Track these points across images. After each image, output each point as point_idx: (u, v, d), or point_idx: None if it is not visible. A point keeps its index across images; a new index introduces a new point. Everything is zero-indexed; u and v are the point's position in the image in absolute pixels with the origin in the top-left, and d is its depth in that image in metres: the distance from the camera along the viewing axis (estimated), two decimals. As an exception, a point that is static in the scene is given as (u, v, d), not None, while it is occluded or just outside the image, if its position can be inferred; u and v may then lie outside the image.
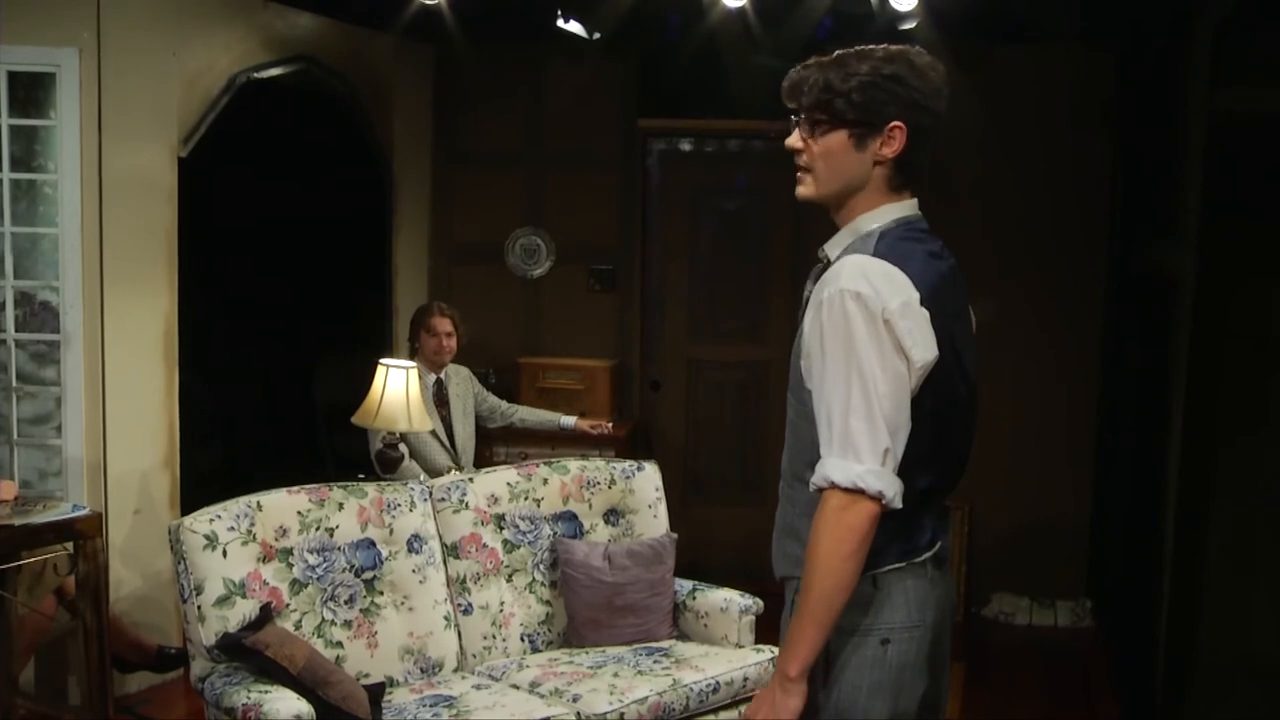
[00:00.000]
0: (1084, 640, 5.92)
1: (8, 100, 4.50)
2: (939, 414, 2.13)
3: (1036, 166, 6.05)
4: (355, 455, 5.28)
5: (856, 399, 2.02)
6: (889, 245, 2.11)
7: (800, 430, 2.20)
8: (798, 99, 2.21)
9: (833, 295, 2.06)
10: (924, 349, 2.08)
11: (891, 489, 2.04)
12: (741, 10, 5.06)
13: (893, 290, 2.05)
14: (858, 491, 2.01)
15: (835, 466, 2.03)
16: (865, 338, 2.03)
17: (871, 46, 2.19)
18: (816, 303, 2.10)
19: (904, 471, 2.07)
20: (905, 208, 2.20)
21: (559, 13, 5.26)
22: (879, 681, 2.15)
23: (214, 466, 6.00)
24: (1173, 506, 4.68)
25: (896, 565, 2.15)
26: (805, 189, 2.24)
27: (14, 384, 4.62)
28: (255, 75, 5.31)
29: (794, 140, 2.23)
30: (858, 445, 2.02)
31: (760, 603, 4.23)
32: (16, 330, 4.61)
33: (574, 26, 5.39)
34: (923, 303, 2.07)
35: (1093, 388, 6.12)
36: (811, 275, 2.31)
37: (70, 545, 3.91)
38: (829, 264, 2.21)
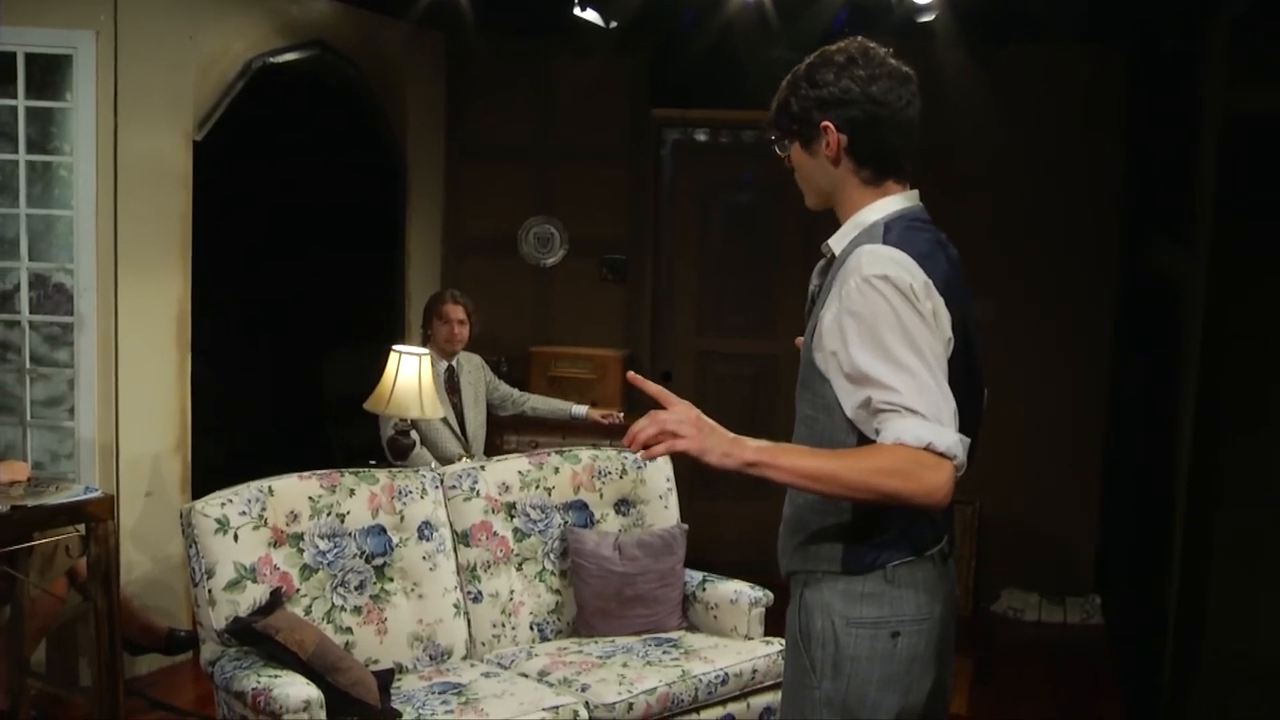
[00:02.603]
0: (1093, 637, 5.90)
1: (24, 82, 4.50)
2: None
3: (1047, 165, 6.03)
4: (364, 445, 5.29)
5: (923, 373, 2.00)
6: (898, 235, 2.12)
7: (816, 424, 2.18)
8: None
9: (859, 284, 2.05)
10: (944, 331, 2.08)
11: (964, 458, 2.02)
12: (758, 1, 5.06)
13: (908, 273, 2.05)
14: (949, 457, 1.98)
15: (931, 430, 1.97)
16: (909, 313, 2.02)
17: (818, 51, 2.24)
18: (840, 296, 2.08)
19: None
20: (904, 199, 2.21)
21: (576, 1, 5.24)
22: (890, 674, 2.14)
23: (222, 452, 6.00)
24: (1181, 506, 4.67)
25: (907, 559, 2.15)
26: (806, 201, 2.34)
27: (28, 366, 4.63)
28: (270, 60, 5.30)
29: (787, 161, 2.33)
30: (940, 414, 1.99)
31: (770, 595, 4.23)
32: (30, 312, 4.61)
33: (590, 15, 5.37)
34: (937, 288, 2.08)
35: (1102, 386, 6.10)
36: (816, 270, 2.32)
37: (82, 527, 3.90)
38: (833, 258, 2.22)
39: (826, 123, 2.18)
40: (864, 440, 2.08)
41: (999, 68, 5.88)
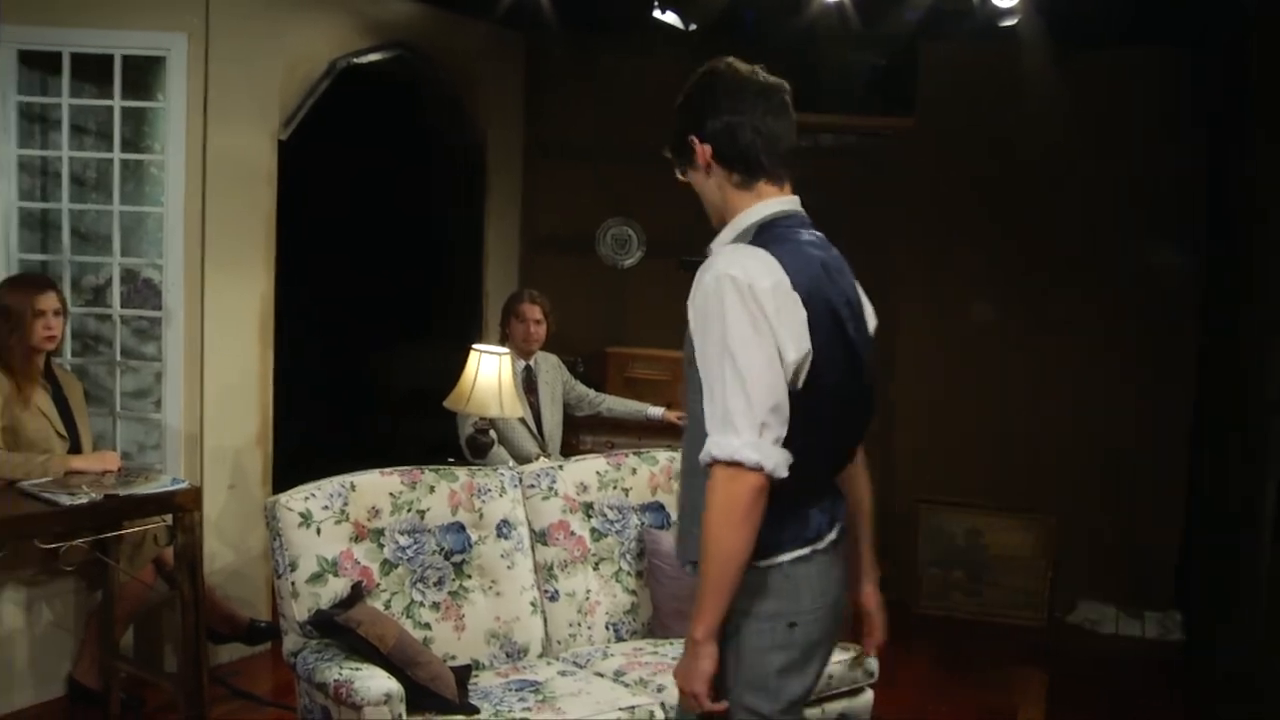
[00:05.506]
0: (1170, 653, 5.79)
1: (120, 83, 4.61)
2: (817, 407, 2.21)
3: (1129, 171, 5.91)
4: (439, 441, 5.33)
5: (730, 376, 2.13)
6: (769, 236, 2.26)
7: (696, 412, 2.28)
8: None
9: (708, 280, 2.18)
10: (795, 340, 2.16)
11: (771, 460, 2.12)
12: (839, 4, 5.03)
13: (764, 272, 2.16)
14: (737, 465, 2.10)
15: (715, 443, 2.13)
16: (737, 316, 2.14)
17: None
18: (695, 287, 2.22)
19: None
20: (781, 203, 2.35)
21: (656, 3, 5.25)
22: (790, 660, 2.29)
23: (301, 447, 6.10)
24: (1269, 523, 4.57)
25: (801, 554, 2.27)
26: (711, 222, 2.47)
27: (118, 358, 4.74)
28: (354, 61, 5.38)
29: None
30: (735, 421, 2.12)
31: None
32: (121, 306, 4.72)
33: (670, 17, 5.37)
34: (795, 288, 2.17)
35: (1188, 394, 5.97)
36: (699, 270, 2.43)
37: (170, 517, 3.99)
38: None
39: (693, 136, 2.34)
40: None
41: (1078, 71, 5.78)
